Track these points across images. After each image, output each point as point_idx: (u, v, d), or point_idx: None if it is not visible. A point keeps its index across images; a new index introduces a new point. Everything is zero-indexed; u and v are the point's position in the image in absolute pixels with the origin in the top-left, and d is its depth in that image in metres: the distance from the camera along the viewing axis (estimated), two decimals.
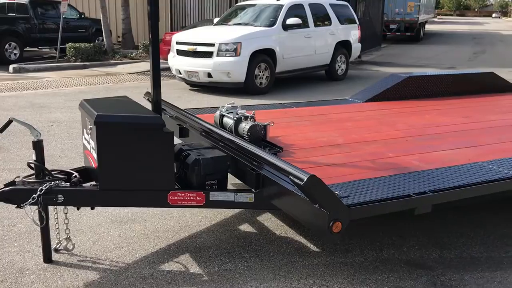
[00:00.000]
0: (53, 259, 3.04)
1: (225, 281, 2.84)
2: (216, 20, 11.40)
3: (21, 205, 2.76)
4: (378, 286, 2.81)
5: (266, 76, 9.47)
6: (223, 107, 3.52)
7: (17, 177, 2.87)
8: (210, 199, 2.83)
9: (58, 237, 3.12)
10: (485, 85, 5.70)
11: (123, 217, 3.68)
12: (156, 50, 3.01)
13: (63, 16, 13.64)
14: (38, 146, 2.85)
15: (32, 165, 2.86)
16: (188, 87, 10.15)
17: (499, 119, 4.31)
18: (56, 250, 3.13)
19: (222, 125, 3.45)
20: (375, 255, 3.16)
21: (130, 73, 12.48)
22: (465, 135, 3.69)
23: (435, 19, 53.30)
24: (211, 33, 9.68)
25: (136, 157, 2.73)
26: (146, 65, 13.65)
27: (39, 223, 2.83)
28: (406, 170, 2.81)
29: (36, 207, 2.79)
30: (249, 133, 3.11)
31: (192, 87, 10.10)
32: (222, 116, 3.46)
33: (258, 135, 3.14)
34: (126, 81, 11.35)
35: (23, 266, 2.97)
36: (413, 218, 3.62)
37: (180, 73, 9.69)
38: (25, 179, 2.84)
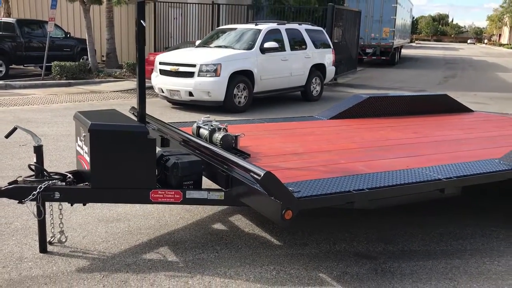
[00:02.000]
0: (48, 250, 3.48)
1: (198, 267, 3.31)
2: (198, 42, 11.99)
3: (22, 200, 3.21)
4: (328, 271, 3.31)
5: (244, 95, 10.03)
6: (199, 120, 4.04)
7: (19, 177, 3.33)
8: (187, 197, 3.32)
9: (52, 231, 3.56)
10: (439, 106, 6.33)
11: (109, 217, 4.13)
12: (142, 70, 3.54)
13: (50, 35, 14.09)
14: (38, 150, 3.32)
15: (33, 167, 3.33)
16: (170, 105, 10.65)
17: (444, 134, 4.91)
18: (50, 243, 3.56)
19: (198, 135, 3.95)
20: (328, 248, 3.67)
21: (114, 91, 12.95)
22: (410, 148, 4.26)
23: (413, 44, 54.99)
24: (193, 54, 10.24)
25: (123, 160, 3.21)
26: (129, 84, 14.15)
27: (37, 216, 3.27)
28: (351, 173, 3.34)
29: (35, 203, 3.24)
30: (221, 142, 3.63)
31: (174, 105, 10.60)
32: (198, 127, 3.97)
33: (229, 144, 3.66)
34: (110, 98, 11.80)
35: (21, 255, 3.40)
36: (365, 219, 4.16)
37: (163, 92, 10.19)
38: (26, 179, 3.29)
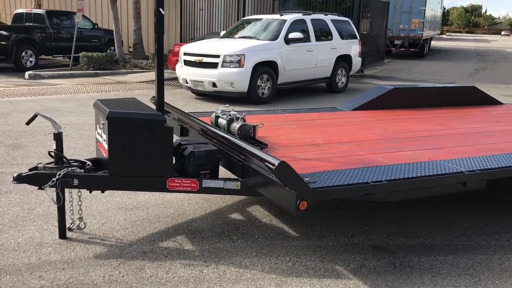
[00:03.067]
0: (67, 236, 3.54)
1: (214, 256, 3.31)
2: (222, 33, 11.98)
3: (42, 186, 3.26)
4: (345, 264, 3.27)
5: (268, 86, 9.98)
6: (218, 110, 4.02)
7: (39, 163, 3.38)
8: (203, 186, 3.31)
9: (71, 217, 3.61)
10: (467, 98, 6.15)
11: (129, 205, 4.17)
12: (160, 60, 3.54)
13: (78, 26, 14.31)
14: (58, 137, 3.37)
15: (53, 154, 3.37)
16: (194, 96, 10.69)
17: (470, 127, 4.77)
18: (69, 229, 3.62)
19: (216, 125, 3.94)
20: (346, 240, 3.62)
21: (139, 82, 13.07)
22: (433, 140, 4.15)
23: (443, 36, 53.77)
24: (217, 45, 10.23)
25: (141, 148, 3.23)
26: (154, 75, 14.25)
27: (56, 203, 3.32)
28: (370, 165, 3.27)
29: (55, 189, 3.28)
30: (239, 131, 3.60)
31: (198, 96, 10.64)
32: (217, 117, 3.95)
33: (247, 133, 3.64)
34: (135, 89, 11.92)
35: (41, 240, 3.46)
36: (385, 212, 4.09)
37: (187, 83, 10.24)
38: (46, 165, 3.34)
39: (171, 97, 10.66)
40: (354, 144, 3.90)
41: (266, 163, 2.73)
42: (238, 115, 3.80)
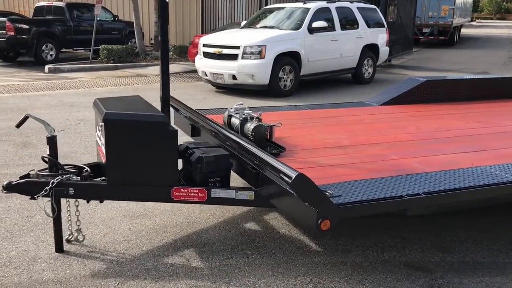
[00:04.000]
0: (64, 249, 3.21)
1: (224, 275, 2.93)
2: (243, 23, 11.55)
3: (34, 196, 2.93)
4: (375, 286, 2.84)
5: (290, 78, 9.54)
6: (231, 108, 3.62)
7: (31, 170, 3.05)
8: (212, 195, 2.93)
9: (70, 228, 3.28)
10: (507, 90, 5.60)
11: (135, 212, 3.83)
12: (165, 51, 3.15)
13: (97, 18, 14.08)
14: (51, 141, 3.02)
15: (46, 159, 3.03)
16: (214, 89, 10.32)
17: None
18: (68, 241, 3.29)
19: (230, 125, 3.55)
20: (375, 256, 3.19)
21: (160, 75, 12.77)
22: (475, 140, 3.67)
23: (473, 23, 52.04)
24: (237, 36, 9.82)
25: (142, 153, 2.86)
26: (175, 67, 13.94)
27: (50, 214, 2.98)
28: (404, 172, 2.83)
29: (49, 198, 2.95)
30: (253, 133, 3.20)
31: (218, 89, 10.26)
32: (230, 116, 3.56)
33: (262, 135, 3.23)
34: (155, 82, 11.62)
35: (36, 254, 3.14)
36: (419, 222, 3.63)
37: (206, 75, 9.87)
38: (39, 172, 3.00)
39: (191, 90, 10.33)
40: (384, 146, 3.46)
41: (282, 175, 2.32)
42: (252, 114, 3.39)
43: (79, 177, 3.03)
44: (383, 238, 3.44)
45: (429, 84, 5.22)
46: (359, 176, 2.76)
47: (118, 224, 3.62)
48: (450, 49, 22.13)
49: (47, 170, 3.04)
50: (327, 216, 2.26)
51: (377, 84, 11.20)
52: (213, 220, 3.71)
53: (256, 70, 9.10)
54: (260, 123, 3.25)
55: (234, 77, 9.24)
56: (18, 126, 3.03)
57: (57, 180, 2.91)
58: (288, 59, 9.44)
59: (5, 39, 13.31)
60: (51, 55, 14.06)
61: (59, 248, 3.18)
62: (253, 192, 2.91)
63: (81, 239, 3.28)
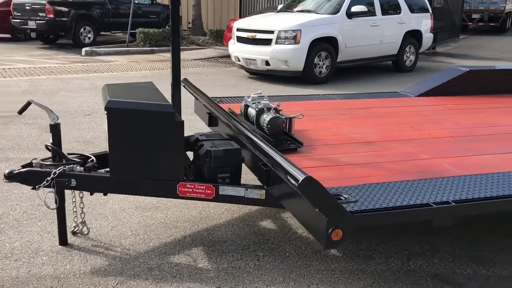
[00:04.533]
0: (69, 242, 3.07)
1: (231, 279, 2.71)
2: (280, 6, 11.20)
3: (36, 186, 2.79)
4: None
5: (326, 65, 9.16)
6: (248, 97, 3.37)
7: (34, 159, 2.90)
8: (220, 193, 2.70)
9: (75, 220, 3.14)
10: None
11: (148, 204, 3.65)
12: (176, 33, 2.93)
13: (135, 1, 14.02)
14: (55, 129, 2.86)
15: (50, 148, 2.88)
16: (247, 74, 10.07)
17: None
18: (74, 233, 3.15)
19: (246, 116, 3.30)
20: (400, 265, 2.89)
21: (195, 59, 12.62)
22: None
23: None
24: (272, 20, 9.50)
25: (146, 145, 2.66)
26: (211, 52, 13.77)
27: (50, 206, 2.83)
28: (434, 175, 2.51)
29: (53, 190, 2.80)
30: (269, 126, 2.94)
31: (251, 75, 10.01)
32: (246, 106, 3.30)
33: (279, 128, 2.96)
34: (189, 67, 11.48)
35: (39, 246, 3.01)
36: (451, 226, 3.29)
37: (239, 60, 9.62)
38: (42, 161, 2.86)
39: (224, 75, 10.12)
40: (416, 142, 3.13)
41: (289, 177, 2.06)
42: (270, 105, 3.12)
43: (83, 168, 2.87)
44: (410, 244, 3.12)
45: (472, 75, 4.78)
46: (382, 178, 2.47)
47: (128, 216, 3.46)
48: (501, 37, 20.94)
49: (51, 159, 2.89)
50: (338, 225, 1.99)
51: (419, 73, 10.64)
52: (227, 215, 3.49)
53: (290, 56, 8.77)
54: (277, 114, 2.98)
55: (267, 63, 8.96)
56: (20, 112, 2.88)
57: (58, 170, 2.76)
58: (325, 45, 9.06)
59: (45, 21, 13.46)
60: (89, 38, 14.13)
61: (63, 241, 3.04)
62: (264, 191, 2.66)
63: (86, 232, 3.14)
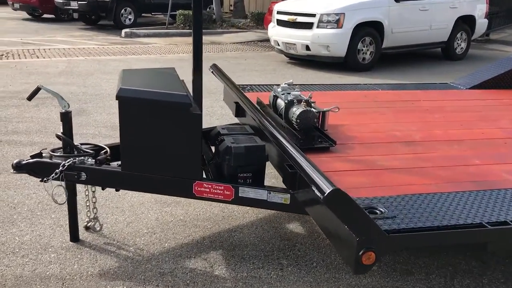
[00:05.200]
0: (81, 237, 2.88)
1: None
2: None
3: (45, 179, 2.59)
4: None
5: (370, 51, 8.68)
6: (278, 86, 3.04)
7: (43, 149, 2.70)
8: (240, 195, 2.42)
9: (88, 215, 2.93)
10: None
11: (168, 198, 3.42)
12: (198, 13, 2.62)
13: None
14: (65, 117, 2.64)
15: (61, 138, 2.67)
16: (286, 59, 9.71)
17: None
18: (87, 228, 2.96)
19: (275, 108, 2.99)
20: (442, 283, 2.53)
21: (234, 43, 12.34)
22: None
23: None
24: (314, 3, 9.04)
25: (159, 138, 2.40)
26: (251, 35, 13.44)
27: (58, 201, 2.63)
28: (488, 186, 2.13)
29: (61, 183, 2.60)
30: (298, 120, 2.61)
31: (291, 59, 9.63)
32: (275, 97, 2.99)
33: (310, 123, 2.64)
34: (228, 50, 11.20)
35: (49, 242, 2.83)
36: None
37: (278, 45, 9.27)
38: (51, 152, 2.65)
39: (262, 60, 9.79)
40: (467, 144, 2.73)
41: (314, 187, 1.75)
42: (301, 96, 2.79)
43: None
44: (456, 258, 2.75)
45: None
46: (426, 187, 2.11)
47: (147, 211, 3.24)
48: None
49: (61, 149, 2.68)
50: (371, 247, 1.67)
51: (471, 61, 9.97)
52: (251, 215, 3.21)
53: (332, 41, 8.34)
54: (308, 108, 2.65)
55: (307, 48, 8.56)
56: (29, 98, 2.67)
57: (68, 162, 2.54)
58: (369, 30, 8.57)
59: (86, 2, 13.48)
60: (130, 19, 14.07)
61: (74, 237, 2.85)
62: (289, 195, 2.36)
63: (98, 229, 2.93)
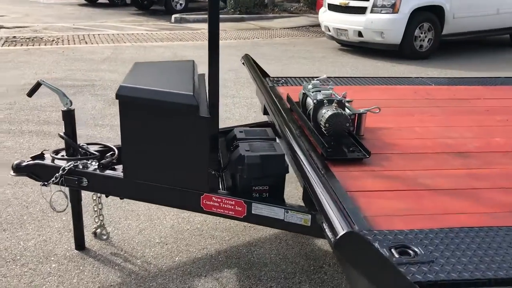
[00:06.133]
0: (88, 245, 2.64)
1: None
2: None
3: (46, 183, 2.36)
4: None
5: (428, 38, 8.02)
6: (308, 83, 2.64)
7: (45, 150, 2.47)
8: (253, 212, 2.07)
9: (96, 221, 2.69)
10: None
11: None
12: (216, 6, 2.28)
13: None
14: (68, 116, 2.39)
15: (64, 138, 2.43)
16: (337, 46, 9.18)
17: None
18: (95, 235, 2.72)
19: (304, 107, 2.60)
20: None
21: (284, 28, 11.90)
22: None
23: None
24: None
25: (163, 144, 2.10)
26: (303, 20, 12.94)
27: (57, 208, 2.39)
28: None
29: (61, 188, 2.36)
30: (327, 124, 2.21)
31: (342, 46, 9.10)
32: (305, 95, 2.59)
33: (341, 128, 2.23)
34: (277, 36, 10.80)
35: (53, 249, 2.62)
36: None
37: (329, 31, 8.76)
38: (52, 154, 2.41)
39: (312, 47, 9.32)
40: None
41: (325, 226, 1.37)
42: (335, 96, 2.39)
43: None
44: None
45: None
46: (480, 218, 1.67)
47: (163, 217, 2.97)
48: None
49: (64, 151, 2.44)
50: None
51: None
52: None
53: (386, 27, 7.76)
54: (339, 110, 2.24)
55: (360, 34, 8.02)
56: (29, 94, 2.43)
57: (68, 166, 2.29)
58: (428, 15, 7.90)
59: None
60: (181, 4, 13.92)
61: (79, 245, 2.62)
62: (310, 216, 1.99)
63: (104, 237, 2.68)
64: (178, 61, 2.81)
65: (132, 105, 2.09)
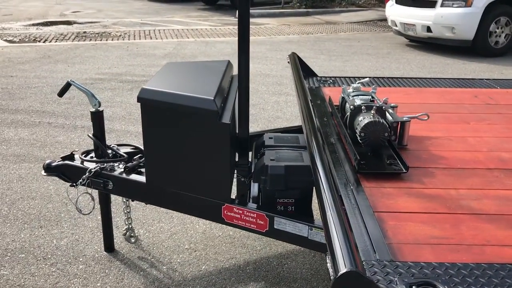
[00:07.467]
0: (118, 247, 2.62)
1: None
2: None
3: (74, 184, 2.35)
4: None
5: (505, 33, 7.42)
6: (348, 87, 2.43)
7: (74, 150, 2.46)
8: (275, 226, 1.92)
9: (126, 223, 2.65)
10: None
11: None
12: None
13: None
14: (96, 117, 2.35)
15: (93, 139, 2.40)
16: (405, 41, 8.74)
17: None
18: (125, 237, 2.68)
19: (343, 112, 2.39)
20: None
21: (350, 22, 11.53)
22: None
23: None
24: None
25: (183, 150, 2.00)
26: (371, 14, 12.48)
27: (83, 211, 2.37)
28: None
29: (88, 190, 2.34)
30: (362, 134, 2.01)
31: (410, 42, 8.64)
32: (344, 100, 2.39)
33: (378, 138, 2.01)
34: (342, 31, 10.47)
35: (83, 249, 2.61)
36: None
37: (396, 25, 8.34)
38: (81, 155, 2.39)
39: (378, 42, 8.94)
40: None
41: (328, 260, 1.19)
42: (378, 102, 2.17)
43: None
44: None
45: None
46: None
47: (196, 221, 2.88)
48: None
49: (93, 153, 2.42)
50: None
51: None
52: None
53: (458, 22, 7.25)
54: (376, 118, 2.02)
55: (428, 29, 7.56)
56: (60, 95, 2.42)
57: (94, 168, 2.26)
58: (505, 8, 7.28)
59: None
60: None
61: (108, 247, 2.60)
62: None
63: (133, 240, 2.64)
64: (212, 61, 2.70)
65: (153, 108, 2.01)
